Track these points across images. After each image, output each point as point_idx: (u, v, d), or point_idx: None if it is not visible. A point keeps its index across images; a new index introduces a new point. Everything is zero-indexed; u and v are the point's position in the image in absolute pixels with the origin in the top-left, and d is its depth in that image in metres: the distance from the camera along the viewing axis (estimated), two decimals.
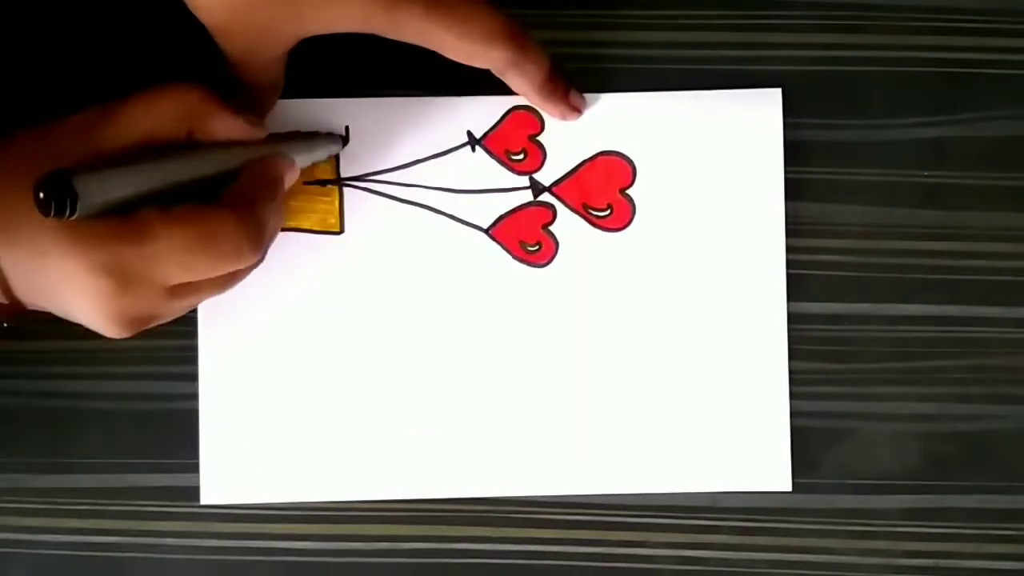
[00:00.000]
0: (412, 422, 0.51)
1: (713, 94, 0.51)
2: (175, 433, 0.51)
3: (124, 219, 0.41)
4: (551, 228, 0.51)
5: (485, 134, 0.51)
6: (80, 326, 0.43)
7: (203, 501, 0.50)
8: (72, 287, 0.41)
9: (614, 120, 0.51)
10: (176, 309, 0.44)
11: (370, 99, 0.51)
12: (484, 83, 0.48)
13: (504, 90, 0.49)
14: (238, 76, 0.47)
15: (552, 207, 0.51)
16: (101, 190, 0.40)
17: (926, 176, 0.51)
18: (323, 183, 0.51)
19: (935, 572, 0.51)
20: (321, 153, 0.49)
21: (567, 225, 0.51)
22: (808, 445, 0.51)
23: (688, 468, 0.50)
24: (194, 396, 0.50)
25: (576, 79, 0.50)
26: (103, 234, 0.40)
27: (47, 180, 0.39)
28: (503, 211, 0.51)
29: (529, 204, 0.51)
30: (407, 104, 0.51)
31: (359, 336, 0.51)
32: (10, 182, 0.41)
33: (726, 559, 0.51)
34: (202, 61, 0.47)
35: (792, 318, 0.51)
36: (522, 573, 0.51)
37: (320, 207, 0.51)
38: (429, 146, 0.51)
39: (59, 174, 0.39)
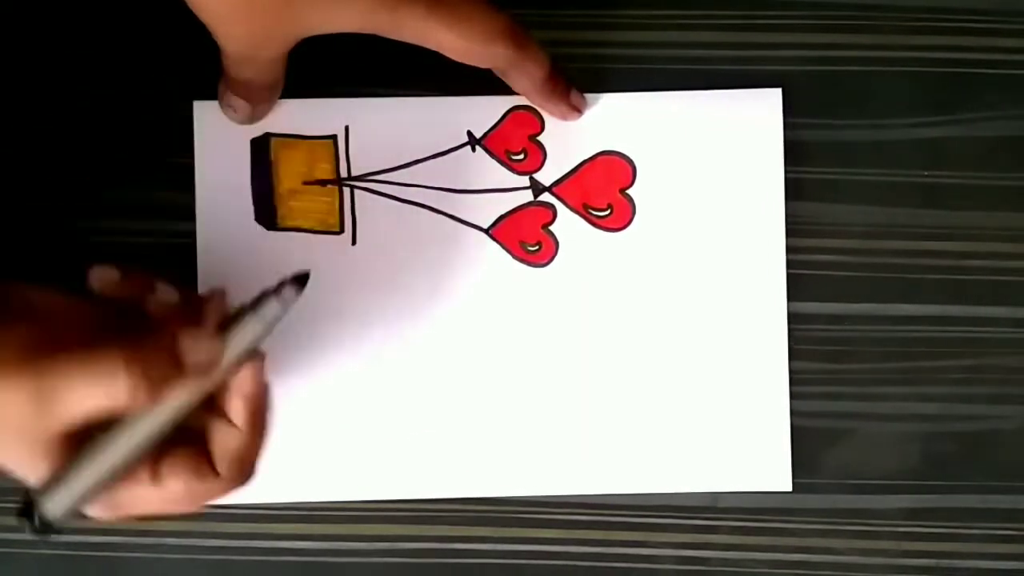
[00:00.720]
0: (412, 422, 0.51)
1: (713, 94, 0.51)
2: None
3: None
4: (551, 228, 0.51)
5: (485, 134, 0.51)
6: None
7: None
8: None
9: (614, 120, 0.51)
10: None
11: (370, 99, 0.51)
12: (484, 83, 0.48)
13: (504, 90, 0.49)
14: (236, 75, 0.47)
15: (552, 207, 0.51)
16: (72, 498, 0.40)
17: (926, 176, 0.51)
18: (323, 183, 0.51)
19: (936, 572, 0.51)
20: (274, 314, 0.42)
21: (567, 225, 0.51)
22: (809, 445, 0.51)
23: (688, 468, 0.50)
24: None
25: (576, 79, 0.50)
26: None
27: (21, 512, 0.40)
28: (503, 211, 0.51)
29: (529, 204, 0.51)
30: (407, 104, 0.51)
31: (359, 336, 0.51)
32: None
33: (727, 559, 0.51)
34: (201, 60, 0.47)
35: (792, 318, 0.51)
36: (522, 573, 0.51)
37: (320, 207, 0.51)
38: (429, 146, 0.51)
39: (25, 507, 0.40)
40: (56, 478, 0.40)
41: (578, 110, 0.50)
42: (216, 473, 0.42)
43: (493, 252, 0.51)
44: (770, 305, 0.50)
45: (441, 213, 0.51)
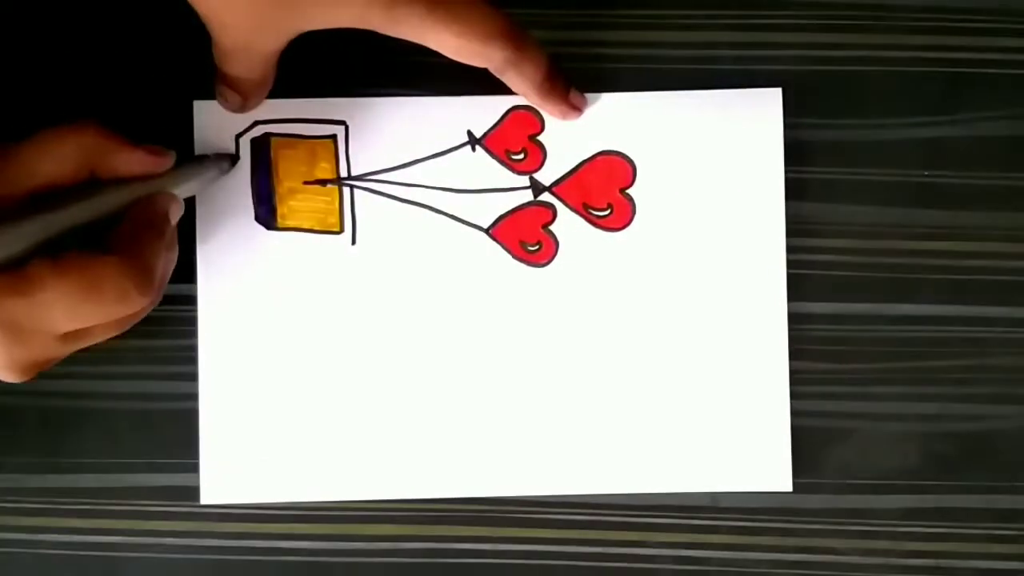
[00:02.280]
0: (412, 422, 0.51)
1: (713, 94, 0.51)
2: (175, 433, 0.51)
3: (15, 274, 0.41)
4: (551, 228, 0.51)
5: (485, 134, 0.51)
6: None
7: (203, 501, 0.50)
8: None
9: (614, 120, 0.51)
10: (69, 350, 0.44)
11: (370, 98, 0.51)
12: (484, 83, 0.48)
13: (504, 90, 0.49)
14: (227, 69, 0.47)
15: (552, 207, 0.51)
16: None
17: (926, 176, 0.51)
18: (323, 183, 0.51)
19: (936, 572, 0.51)
20: (212, 175, 0.49)
21: (567, 225, 0.51)
22: (809, 445, 0.51)
23: (688, 468, 0.50)
24: (194, 396, 0.50)
25: (576, 79, 0.50)
26: None
27: None
28: (503, 211, 0.51)
29: (529, 204, 0.51)
30: (407, 103, 0.51)
31: (359, 335, 0.51)
32: None
33: (726, 559, 0.51)
34: (201, 60, 0.47)
35: (792, 318, 0.51)
36: (522, 573, 0.51)
37: (320, 207, 0.51)
38: (429, 145, 0.51)
39: None
40: None
41: (578, 110, 0.50)
42: (109, 249, 0.42)
43: (493, 252, 0.51)
44: (770, 305, 0.50)
45: (441, 213, 0.51)
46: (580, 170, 0.51)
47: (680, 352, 0.51)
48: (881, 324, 0.51)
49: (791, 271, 0.51)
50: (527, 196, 0.51)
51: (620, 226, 0.51)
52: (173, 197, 0.46)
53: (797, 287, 0.51)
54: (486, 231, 0.51)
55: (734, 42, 0.51)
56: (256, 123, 0.50)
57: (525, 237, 0.51)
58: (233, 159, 0.50)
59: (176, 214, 0.47)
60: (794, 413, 0.51)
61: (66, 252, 0.42)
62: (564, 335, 0.51)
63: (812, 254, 0.51)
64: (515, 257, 0.51)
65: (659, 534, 0.51)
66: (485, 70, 0.47)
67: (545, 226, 0.51)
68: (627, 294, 0.51)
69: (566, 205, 0.51)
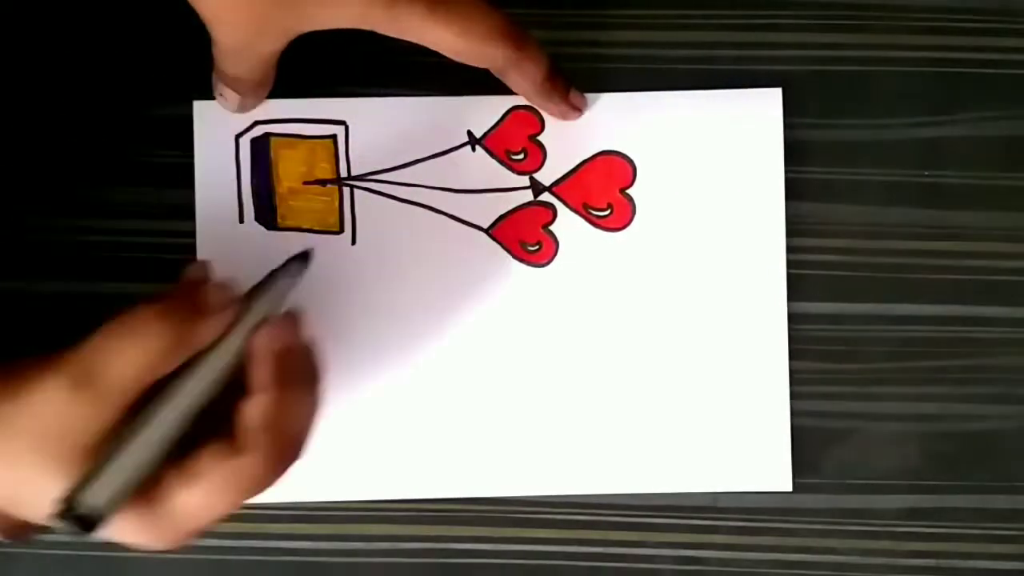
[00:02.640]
0: (412, 422, 0.51)
1: (713, 94, 0.51)
2: None
3: (146, 501, 0.39)
4: (551, 228, 0.51)
5: (485, 134, 0.51)
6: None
7: None
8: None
9: (614, 120, 0.51)
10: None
11: (370, 98, 0.51)
12: (485, 83, 0.48)
13: (505, 90, 0.49)
14: (227, 69, 0.47)
15: (552, 207, 0.51)
16: (111, 491, 0.38)
17: (926, 176, 0.51)
18: (323, 183, 0.51)
19: (936, 572, 0.51)
20: (287, 285, 0.44)
21: (567, 225, 0.51)
22: (809, 445, 0.51)
23: (688, 468, 0.50)
24: None
25: (576, 79, 0.50)
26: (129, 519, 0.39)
27: (60, 515, 0.38)
28: (503, 211, 0.51)
29: (529, 204, 0.51)
30: (407, 104, 0.51)
31: (358, 335, 0.51)
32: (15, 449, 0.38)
33: (726, 559, 0.51)
34: (201, 60, 0.47)
35: (792, 318, 0.51)
36: (522, 573, 0.51)
37: (320, 207, 0.51)
38: (429, 146, 0.51)
39: (66, 508, 0.38)
40: (95, 468, 0.38)
41: (578, 109, 0.50)
42: (247, 448, 0.39)
43: (493, 252, 0.51)
44: (770, 305, 0.51)
45: (441, 213, 0.51)
46: (580, 170, 0.51)
47: (680, 352, 0.51)
48: (881, 324, 0.51)
49: (791, 271, 0.51)
50: (527, 196, 0.51)
51: (620, 226, 0.51)
52: (293, 321, 0.42)
53: (797, 287, 0.51)
54: (486, 231, 0.51)
55: (734, 42, 0.51)
56: (256, 123, 0.50)
57: (525, 237, 0.51)
58: (305, 256, 0.46)
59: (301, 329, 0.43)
60: (794, 413, 0.51)
61: (196, 452, 0.39)
62: (564, 335, 0.51)
63: (812, 254, 0.51)
64: (515, 257, 0.51)
65: (659, 534, 0.51)
66: (486, 70, 0.47)
67: (545, 226, 0.51)
68: (627, 294, 0.51)
69: (566, 205, 0.51)
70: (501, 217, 0.51)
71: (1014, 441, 0.51)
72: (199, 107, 0.50)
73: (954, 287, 0.51)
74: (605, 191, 0.51)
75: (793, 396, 0.51)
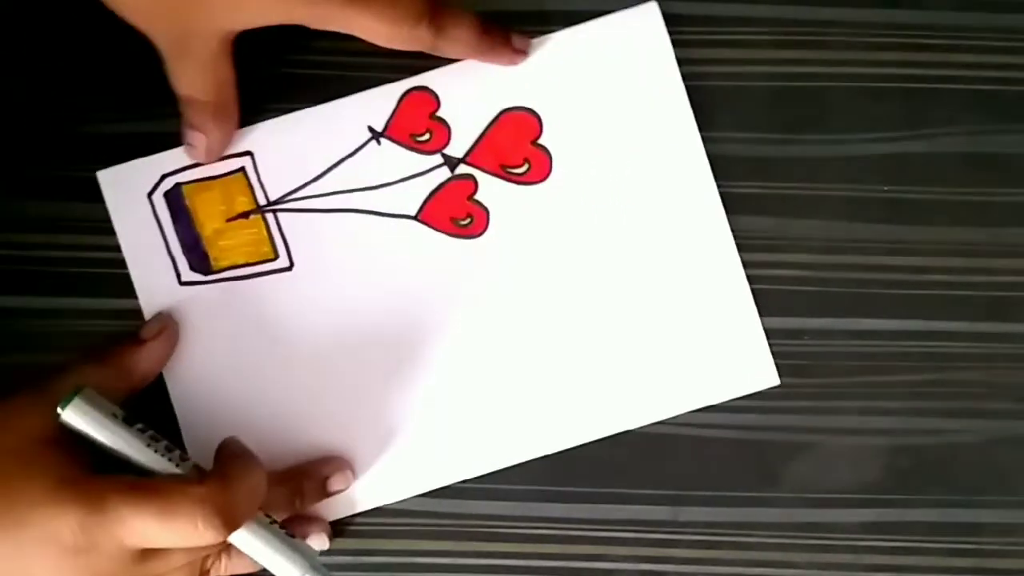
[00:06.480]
0: (393, 424, 0.50)
1: (593, 24, 0.50)
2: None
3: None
4: (477, 198, 0.51)
5: (385, 125, 0.51)
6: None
7: None
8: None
9: (507, 77, 0.51)
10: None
11: (266, 122, 0.51)
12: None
13: (391, 76, 0.49)
14: (181, 89, 0.47)
15: (472, 177, 0.51)
16: None
17: (887, 191, 0.51)
18: (246, 215, 0.51)
19: None
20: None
21: (491, 191, 0.51)
22: (769, 459, 0.51)
23: (676, 393, 0.50)
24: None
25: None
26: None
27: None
28: (425, 194, 0.51)
29: (449, 180, 0.51)
30: (303, 117, 0.50)
31: (323, 347, 0.50)
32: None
33: (687, 573, 0.51)
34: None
35: None
36: None
37: (249, 239, 0.51)
38: (335, 151, 0.51)
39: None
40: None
41: (523, 53, 0.50)
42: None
43: (427, 236, 0.51)
44: (708, 216, 0.50)
45: (366, 212, 0.51)
46: (488, 134, 0.51)
47: (636, 287, 0.50)
48: (840, 339, 0.51)
49: (752, 286, 0.51)
50: (444, 174, 0.51)
51: (542, 178, 0.51)
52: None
53: (757, 302, 0.51)
54: (415, 218, 0.51)
55: (693, 59, 0.51)
56: (163, 177, 0.50)
57: (454, 213, 0.51)
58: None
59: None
60: (754, 428, 0.51)
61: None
62: (520, 298, 0.50)
63: (772, 269, 0.51)
64: (450, 235, 0.51)
65: (619, 548, 0.51)
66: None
67: (470, 197, 0.51)
68: (567, 242, 0.50)
69: (484, 171, 0.51)
70: (425, 201, 0.51)
71: (973, 455, 0.51)
72: (104, 176, 0.50)
73: (913, 302, 0.51)
74: (517, 147, 0.51)
75: (754, 411, 0.51)
